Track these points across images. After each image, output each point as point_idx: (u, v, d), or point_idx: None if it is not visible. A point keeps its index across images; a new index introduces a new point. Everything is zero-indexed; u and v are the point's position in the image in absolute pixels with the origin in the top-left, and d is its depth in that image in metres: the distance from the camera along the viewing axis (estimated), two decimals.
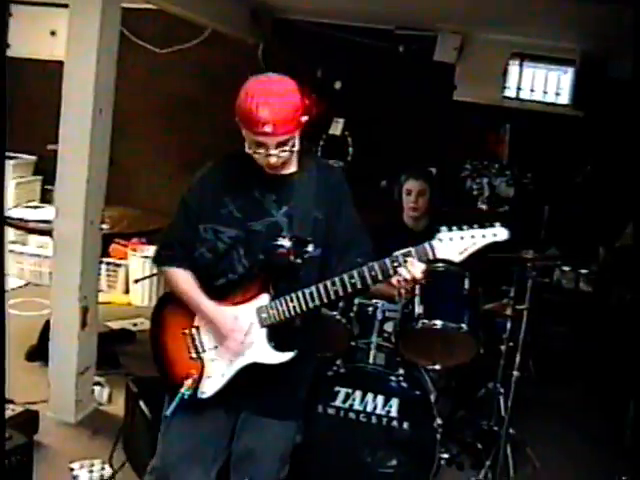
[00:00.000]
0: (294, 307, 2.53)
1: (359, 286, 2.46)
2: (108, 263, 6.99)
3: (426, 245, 2.39)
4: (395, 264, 2.42)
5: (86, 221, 4.28)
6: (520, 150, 6.60)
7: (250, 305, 2.60)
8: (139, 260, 6.84)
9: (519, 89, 6.69)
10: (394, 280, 2.46)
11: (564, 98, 6.64)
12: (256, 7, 6.48)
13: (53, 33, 7.16)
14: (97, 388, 4.67)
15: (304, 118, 2.48)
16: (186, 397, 2.62)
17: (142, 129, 7.27)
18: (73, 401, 4.39)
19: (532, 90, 6.74)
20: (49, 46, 7.07)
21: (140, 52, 7.05)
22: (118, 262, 7.07)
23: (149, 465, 2.85)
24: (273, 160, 2.46)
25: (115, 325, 6.14)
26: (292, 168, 2.64)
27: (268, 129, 2.37)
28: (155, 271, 6.04)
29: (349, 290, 2.48)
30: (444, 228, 2.38)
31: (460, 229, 2.37)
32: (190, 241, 2.67)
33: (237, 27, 6.40)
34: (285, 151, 2.46)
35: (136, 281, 6.72)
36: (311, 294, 2.50)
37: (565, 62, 6.56)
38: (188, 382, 2.63)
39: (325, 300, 2.49)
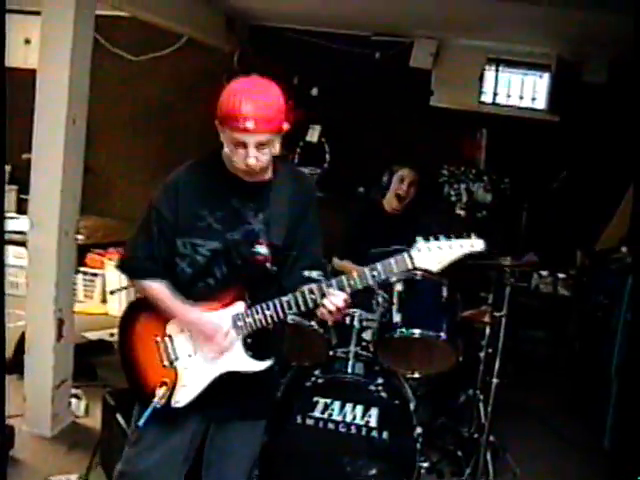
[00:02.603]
0: (271, 315, 2.51)
1: None
2: (85, 273, 6.93)
3: (405, 255, 2.39)
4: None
5: (61, 232, 4.23)
6: (497, 155, 6.63)
7: (225, 312, 2.56)
8: (116, 270, 6.77)
9: (495, 94, 6.74)
10: (319, 312, 2.48)
11: (540, 103, 6.70)
12: (232, 14, 6.47)
13: (27, 41, 7.12)
14: (74, 401, 4.61)
15: (286, 125, 2.45)
16: (159, 407, 2.58)
17: (118, 137, 7.25)
18: (49, 415, 4.33)
19: (508, 95, 6.79)
20: (23, 54, 7.02)
21: (115, 60, 7.02)
22: (95, 272, 7.00)
23: (116, 470, 2.79)
24: (252, 161, 2.41)
25: (92, 336, 6.08)
26: (268, 175, 2.60)
27: (250, 125, 2.33)
28: None
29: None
30: (420, 238, 2.38)
31: (437, 239, 2.38)
32: (167, 254, 2.61)
33: (213, 34, 6.38)
34: (265, 154, 2.43)
35: (112, 292, 6.66)
36: (288, 302, 2.48)
37: (541, 67, 6.62)
38: (161, 392, 2.59)
39: (303, 308, 2.47)
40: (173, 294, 2.61)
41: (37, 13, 4.21)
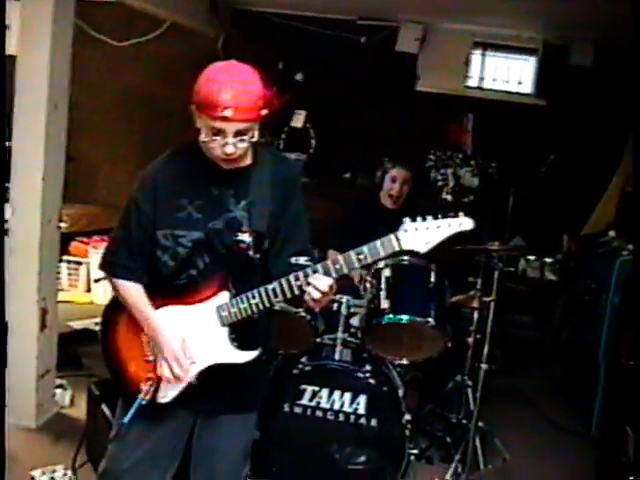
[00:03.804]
0: (256, 304, 2.44)
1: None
2: (69, 261, 6.84)
3: (391, 236, 2.30)
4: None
5: (43, 220, 4.16)
6: (484, 140, 6.61)
7: (209, 303, 2.51)
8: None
9: (481, 78, 6.72)
10: (306, 297, 2.41)
11: (527, 87, 6.69)
12: None
13: (7, 27, 6.97)
14: (59, 391, 4.56)
15: (264, 111, 2.38)
16: (144, 403, 2.53)
17: (101, 124, 7.16)
18: (34, 405, 4.28)
19: (494, 79, 6.76)
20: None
21: (98, 45, 6.93)
22: (79, 260, 6.91)
23: (100, 466, 2.75)
24: (229, 150, 2.35)
25: (77, 325, 6.01)
26: (248, 161, 2.54)
27: (228, 113, 2.27)
28: None
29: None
30: (408, 219, 2.29)
31: (424, 219, 2.29)
32: (147, 250, 2.55)
33: (196, 19, 6.30)
34: (243, 141, 2.36)
35: (96, 280, 6.59)
36: (274, 290, 2.41)
37: (527, 51, 6.60)
38: (146, 387, 2.54)
39: (289, 295, 2.41)
40: (147, 301, 2.55)
41: None
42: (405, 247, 2.30)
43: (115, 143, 7.20)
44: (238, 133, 2.34)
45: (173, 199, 2.51)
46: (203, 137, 2.38)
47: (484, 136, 6.59)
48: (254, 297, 2.45)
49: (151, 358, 2.58)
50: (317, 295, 2.36)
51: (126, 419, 2.53)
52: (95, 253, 6.79)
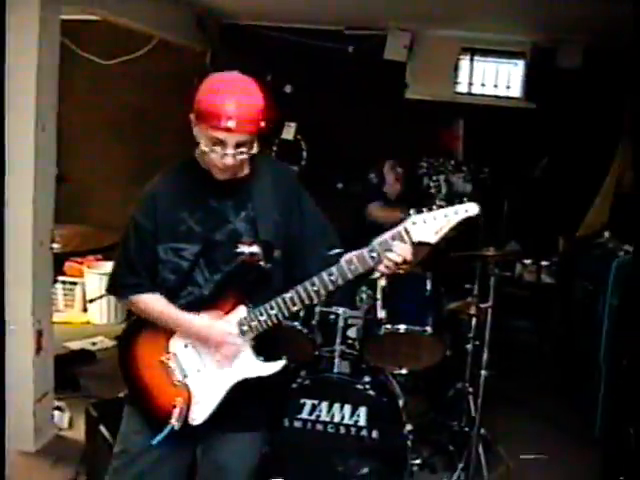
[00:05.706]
0: (276, 315, 2.43)
1: (340, 282, 2.36)
2: (64, 282, 6.82)
3: (400, 229, 2.29)
4: (373, 254, 2.32)
5: (35, 242, 4.13)
6: (475, 145, 6.59)
7: (228, 319, 2.49)
8: (96, 277, 6.69)
9: (470, 84, 6.71)
10: (381, 267, 2.35)
11: (515, 91, 6.69)
12: (202, 13, 6.38)
13: None
14: (57, 413, 4.51)
15: (263, 123, 2.37)
16: (176, 428, 2.49)
17: (92, 143, 7.15)
18: (32, 429, 4.24)
19: (483, 84, 6.76)
20: None
21: (86, 64, 6.92)
22: (74, 280, 6.89)
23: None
24: (229, 161, 2.33)
25: (74, 345, 5.98)
26: (245, 171, 2.53)
27: (231, 124, 2.26)
28: None
29: (330, 288, 2.38)
30: (413, 211, 2.28)
31: (431, 210, 2.28)
32: (150, 265, 2.53)
33: (184, 35, 6.30)
34: (242, 153, 2.35)
35: (91, 301, 6.57)
36: (292, 298, 2.40)
37: (515, 55, 6.60)
38: (176, 412, 2.50)
39: (307, 302, 2.41)
40: (172, 305, 2.52)
41: None
42: (415, 239, 2.28)
43: (107, 161, 7.18)
44: (238, 145, 2.33)
45: (173, 213, 2.49)
46: (203, 147, 2.36)
47: (475, 141, 6.58)
48: (272, 308, 2.44)
49: (177, 382, 2.55)
50: (399, 259, 2.30)
51: (154, 441, 2.50)
52: (90, 273, 6.77)
